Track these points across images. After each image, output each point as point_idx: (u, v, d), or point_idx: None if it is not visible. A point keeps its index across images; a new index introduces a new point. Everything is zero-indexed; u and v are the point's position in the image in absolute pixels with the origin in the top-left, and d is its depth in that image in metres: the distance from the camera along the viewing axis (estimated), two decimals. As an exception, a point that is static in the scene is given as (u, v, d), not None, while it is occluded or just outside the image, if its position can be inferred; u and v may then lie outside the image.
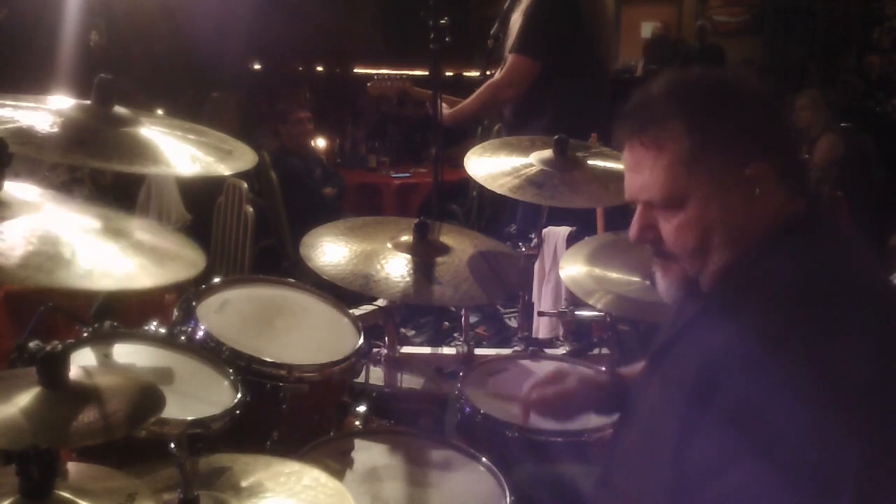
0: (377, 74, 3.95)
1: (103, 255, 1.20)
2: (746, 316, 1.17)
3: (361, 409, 1.93)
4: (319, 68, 7.92)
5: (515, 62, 3.36)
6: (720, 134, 1.20)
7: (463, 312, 2.43)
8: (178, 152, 1.50)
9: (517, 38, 3.36)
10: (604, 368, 2.12)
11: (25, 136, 1.34)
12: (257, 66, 7.90)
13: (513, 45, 3.38)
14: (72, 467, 1.15)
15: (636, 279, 2.05)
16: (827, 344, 1.08)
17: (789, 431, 1.05)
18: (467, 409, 1.91)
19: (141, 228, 1.37)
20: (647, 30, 10.82)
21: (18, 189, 1.26)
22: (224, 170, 1.56)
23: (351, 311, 2.07)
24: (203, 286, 1.92)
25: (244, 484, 1.27)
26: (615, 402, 1.57)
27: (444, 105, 3.43)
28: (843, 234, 1.26)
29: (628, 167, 1.30)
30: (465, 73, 6.04)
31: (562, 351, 2.39)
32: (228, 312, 1.89)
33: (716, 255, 1.23)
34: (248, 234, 3.64)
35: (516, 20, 3.40)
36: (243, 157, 1.63)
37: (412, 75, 4.00)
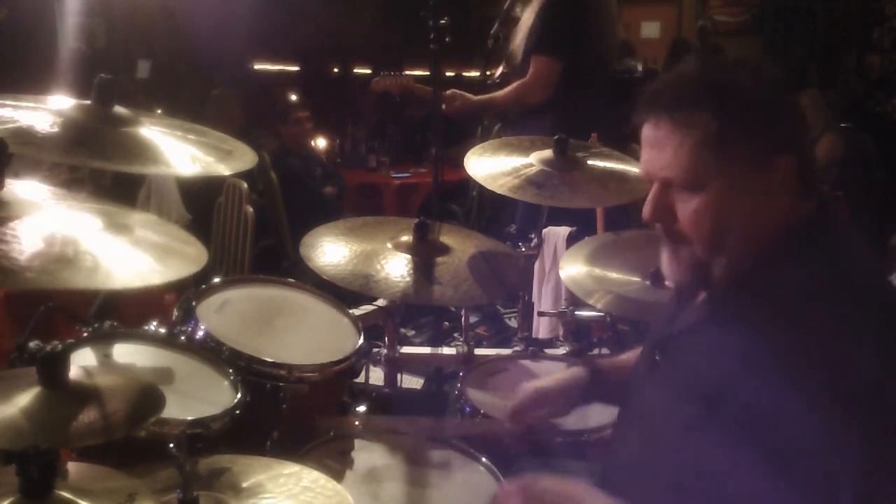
0: (383, 72, 3.94)
1: (116, 253, 1.20)
2: (752, 320, 1.17)
3: (361, 409, 1.93)
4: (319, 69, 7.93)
5: (538, 65, 3.33)
6: (749, 123, 1.20)
7: (463, 312, 2.43)
8: (178, 152, 1.50)
9: (536, 39, 3.34)
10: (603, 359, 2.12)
11: (25, 136, 1.35)
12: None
13: (532, 48, 3.35)
14: (72, 467, 1.15)
15: (636, 279, 2.05)
16: (828, 345, 1.08)
17: (790, 432, 1.06)
18: (467, 409, 1.91)
19: (142, 224, 1.36)
20: (647, 30, 10.80)
21: (23, 188, 1.26)
22: (224, 170, 1.56)
23: (351, 311, 2.07)
24: (203, 286, 1.92)
25: (244, 485, 1.27)
26: (594, 393, 1.65)
27: (466, 94, 3.43)
28: (849, 237, 1.27)
29: (649, 143, 1.27)
30: (465, 73, 6.03)
31: (562, 351, 2.39)
32: (228, 312, 1.89)
33: (729, 245, 1.22)
34: (248, 234, 3.64)
35: (528, 19, 3.38)
36: (243, 157, 1.64)
37: (413, 75, 4.00)
